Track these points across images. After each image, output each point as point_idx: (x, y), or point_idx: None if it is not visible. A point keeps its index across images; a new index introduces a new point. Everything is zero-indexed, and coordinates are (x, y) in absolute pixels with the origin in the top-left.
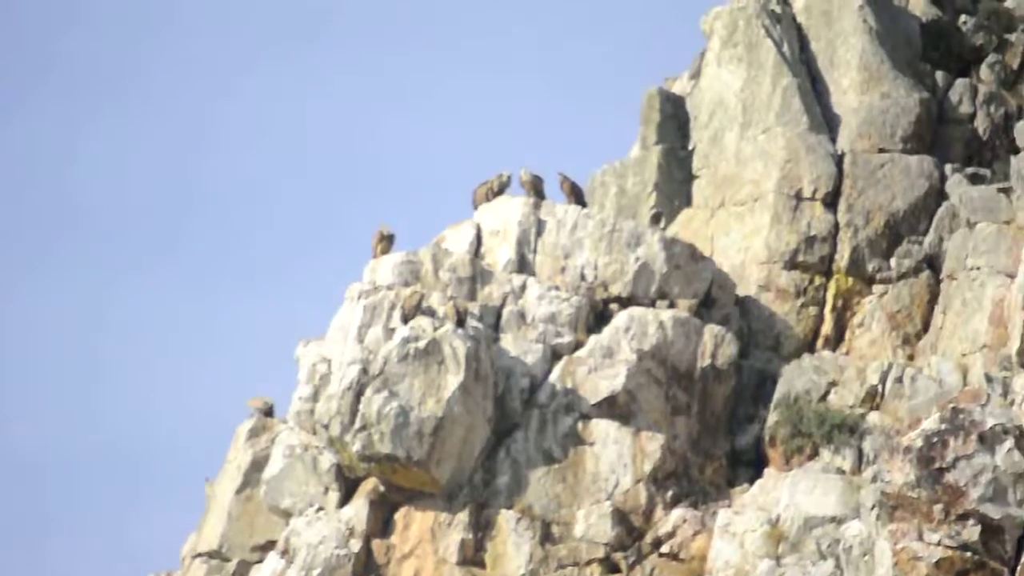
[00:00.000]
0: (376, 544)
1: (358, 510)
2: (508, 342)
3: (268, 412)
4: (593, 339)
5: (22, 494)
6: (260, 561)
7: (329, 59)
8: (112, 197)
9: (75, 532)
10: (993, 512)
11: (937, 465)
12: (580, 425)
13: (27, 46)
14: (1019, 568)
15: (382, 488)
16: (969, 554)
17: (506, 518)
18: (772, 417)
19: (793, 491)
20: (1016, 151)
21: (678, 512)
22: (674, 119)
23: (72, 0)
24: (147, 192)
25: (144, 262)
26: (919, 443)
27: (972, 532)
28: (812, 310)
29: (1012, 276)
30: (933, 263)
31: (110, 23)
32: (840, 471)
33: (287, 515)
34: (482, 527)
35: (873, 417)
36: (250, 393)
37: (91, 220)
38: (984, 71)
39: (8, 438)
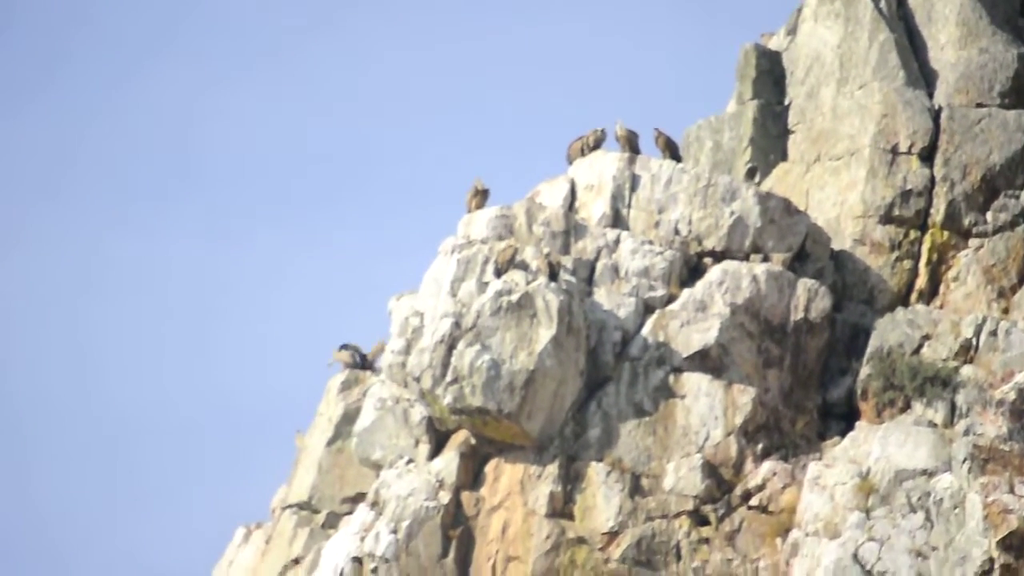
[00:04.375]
0: (465, 496)
1: (448, 462)
2: (601, 296)
3: (352, 364)
4: (686, 293)
5: (118, 448)
6: (349, 513)
7: (427, 17)
8: (223, 159)
9: (166, 486)
10: None
11: None
12: (672, 378)
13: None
14: None
15: (472, 440)
16: None
17: (596, 470)
18: (865, 370)
19: (884, 444)
20: None
21: (768, 465)
22: (770, 74)
23: None
24: (253, 154)
25: (238, 220)
26: (1012, 396)
27: None
28: (907, 264)
29: None
30: None
31: None
32: (932, 424)
33: (377, 467)
34: (572, 479)
35: (966, 370)
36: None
37: (204, 180)
38: None
39: (102, 394)
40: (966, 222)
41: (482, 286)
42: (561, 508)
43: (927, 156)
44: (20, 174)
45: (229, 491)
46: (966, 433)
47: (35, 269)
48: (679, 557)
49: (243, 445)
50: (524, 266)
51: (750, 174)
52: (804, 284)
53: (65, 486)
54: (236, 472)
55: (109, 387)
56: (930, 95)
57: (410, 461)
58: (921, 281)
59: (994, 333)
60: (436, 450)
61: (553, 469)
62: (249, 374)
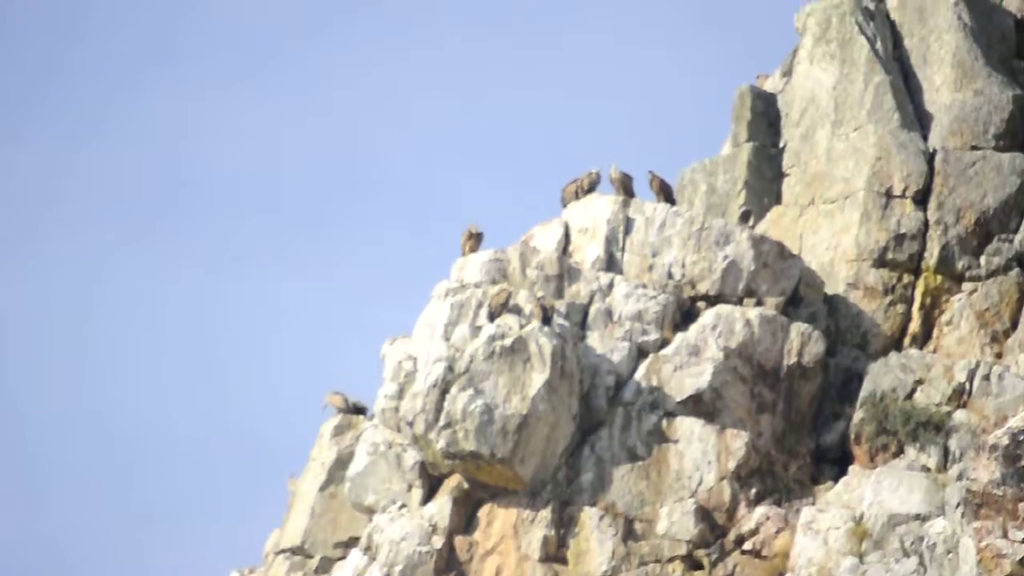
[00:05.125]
0: (458, 541)
1: (441, 507)
2: (595, 340)
3: (345, 409)
4: (679, 337)
5: (116, 487)
6: (343, 558)
7: (423, 52)
8: (215, 191)
9: (159, 528)
10: None
11: (1023, 463)
12: (665, 423)
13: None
14: None
15: (466, 485)
16: None
17: (589, 515)
18: (858, 415)
19: (877, 488)
20: None
21: (761, 510)
22: (765, 116)
23: None
24: (251, 173)
25: (235, 257)
26: (1005, 441)
27: None
28: (900, 308)
29: None
30: (1023, 261)
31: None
32: (925, 469)
33: (370, 512)
34: (565, 524)
35: (959, 415)
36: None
37: (203, 201)
38: None
39: (105, 430)
40: (959, 266)
41: (475, 330)
42: (554, 553)
43: (921, 199)
44: (19, 196)
45: (220, 535)
46: (959, 478)
47: (36, 289)
48: None
49: (235, 490)
50: (517, 310)
51: (744, 217)
52: (797, 328)
53: (73, 509)
54: (228, 516)
55: (112, 407)
56: (925, 137)
57: (403, 506)
58: (914, 325)
59: (987, 378)
60: (429, 495)
61: (546, 514)
62: (244, 416)
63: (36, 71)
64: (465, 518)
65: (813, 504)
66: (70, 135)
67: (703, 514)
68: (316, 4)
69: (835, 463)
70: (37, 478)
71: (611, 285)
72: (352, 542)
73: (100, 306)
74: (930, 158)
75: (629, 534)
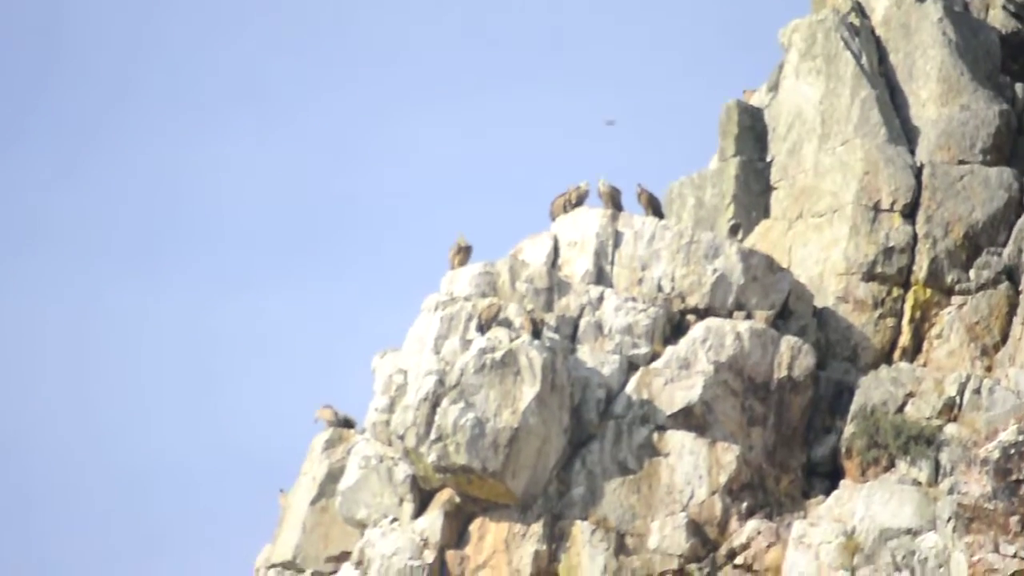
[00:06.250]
0: (450, 555)
1: (432, 521)
2: (585, 353)
3: (336, 422)
4: (670, 350)
5: (113, 507)
6: (334, 572)
7: (412, 76)
8: (208, 215)
9: (151, 543)
10: None
11: (1014, 477)
12: (655, 436)
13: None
14: None
15: (457, 499)
16: None
17: (580, 529)
18: (848, 428)
19: (869, 503)
20: None
21: (753, 523)
22: (752, 131)
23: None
24: (241, 203)
25: (228, 277)
26: (996, 455)
27: None
28: (890, 321)
29: None
30: (1012, 274)
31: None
32: (916, 483)
33: (362, 526)
34: (556, 538)
35: (950, 429)
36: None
37: (186, 231)
38: None
39: (109, 447)
40: (949, 279)
41: (465, 344)
42: (546, 567)
43: (909, 213)
44: (7, 222)
45: (211, 550)
46: (951, 492)
47: (30, 316)
48: None
49: (226, 503)
50: (507, 323)
51: (733, 231)
52: (787, 342)
53: (72, 531)
54: (220, 531)
55: (108, 427)
56: (912, 152)
57: (394, 520)
58: (904, 339)
59: (978, 391)
60: (420, 509)
61: (538, 528)
62: (235, 429)
63: (26, 97)
64: (456, 532)
65: (804, 518)
66: (61, 160)
67: (694, 528)
68: (297, 22)
69: (826, 477)
70: (34, 502)
71: (601, 298)
72: (343, 556)
73: (94, 331)
74: (918, 172)
75: (620, 548)
